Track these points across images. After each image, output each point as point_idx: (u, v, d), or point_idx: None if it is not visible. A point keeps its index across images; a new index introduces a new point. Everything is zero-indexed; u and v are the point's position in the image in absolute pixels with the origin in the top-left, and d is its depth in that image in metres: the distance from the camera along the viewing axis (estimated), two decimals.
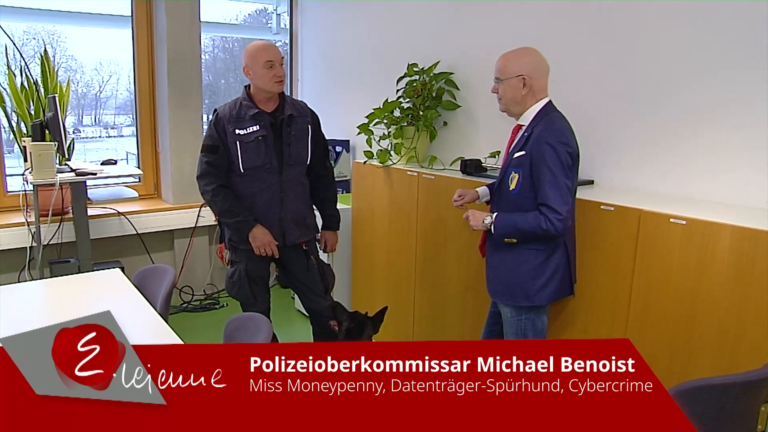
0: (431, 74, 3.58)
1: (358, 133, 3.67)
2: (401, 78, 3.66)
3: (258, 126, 2.77)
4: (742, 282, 2.10)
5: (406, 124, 3.56)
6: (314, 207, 3.08)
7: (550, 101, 2.31)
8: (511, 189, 2.28)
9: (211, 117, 2.87)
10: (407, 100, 3.63)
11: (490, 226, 2.29)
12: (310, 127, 2.91)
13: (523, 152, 2.24)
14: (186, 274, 4.43)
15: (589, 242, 2.51)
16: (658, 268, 2.31)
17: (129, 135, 4.98)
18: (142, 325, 2.16)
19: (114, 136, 5.10)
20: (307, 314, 3.15)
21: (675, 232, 2.25)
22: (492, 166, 3.20)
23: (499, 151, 3.26)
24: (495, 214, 2.30)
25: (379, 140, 3.66)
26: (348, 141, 4.48)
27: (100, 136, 5.02)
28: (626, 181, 2.77)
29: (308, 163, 2.92)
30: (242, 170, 2.79)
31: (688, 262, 2.22)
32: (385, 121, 3.61)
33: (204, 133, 2.89)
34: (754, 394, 1.80)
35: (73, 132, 4.66)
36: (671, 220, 2.26)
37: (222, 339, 2.10)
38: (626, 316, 2.44)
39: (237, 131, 2.77)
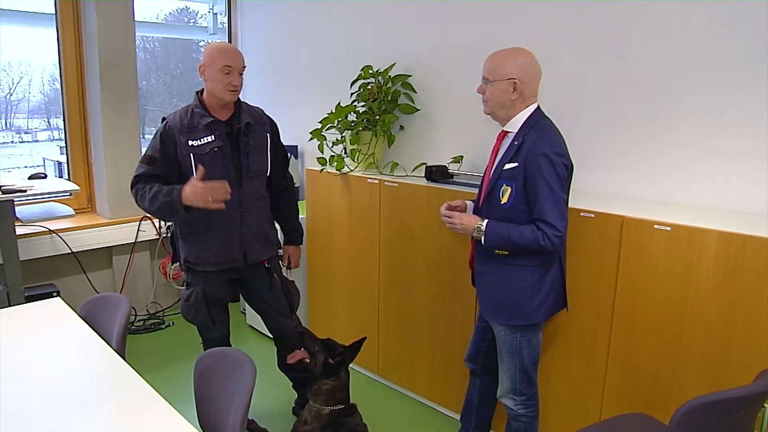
0: (387, 76, 3.44)
1: (310, 139, 3.48)
2: (355, 81, 3.49)
3: (213, 136, 2.54)
4: (730, 288, 2.06)
5: (362, 128, 3.40)
6: (276, 221, 2.88)
7: (538, 107, 2.18)
8: (502, 203, 2.13)
9: (159, 126, 2.61)
10: (362, 103, 3.48)
11: (481, 235, 2.15)
12: (269, 135, 2.70)
13: (515, 164, 2.10)
14: (127, 293, 4.11)
15: (568, 250, 2.43)
16: (643, 277, 2.26)
17: (45, 140, 4.72)
18: (101, 369, 1.91)
19: (28, 141, 4.80)
20: (270, 335, 2.94)
21: (659, 238, 2.20)
22: (457, 172, 3.09)
23: (462, 156, 3.17)
24: (486, 221, 2.15)
25: (332, 146, 3.49)
26: (296, 146, 4.28)
27: (12, 141, 4.72)
28: (601, 185, 2.73)
29: (268, 174, 2.71)
30: None
31: (674, 269, 2.18)
32: (338, 125, 3.44)
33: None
34: (758, 403, 1.77)
35: None
36: (655, 226, 2.20)
37: (192, 379, 1.88)
38: (609, 325, 2.38)
39: (190, 142, 2.53)
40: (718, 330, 2.11)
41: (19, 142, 4.74)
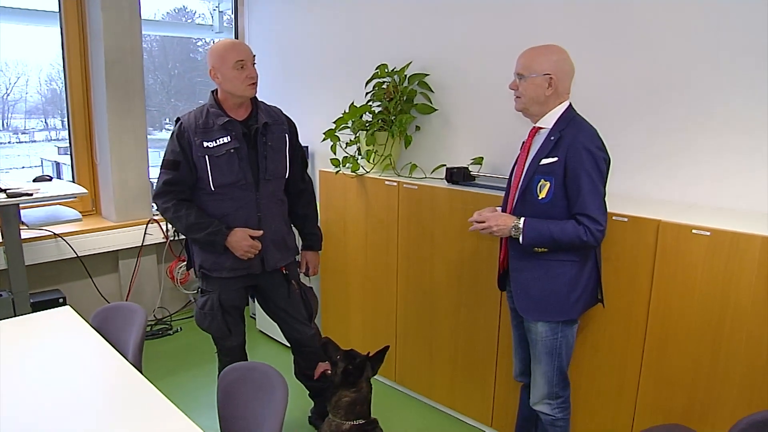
0: (403, 75, 3.33)
1: (323, 140, 3.38)
2: (370, 80, 3.39)
3: (229, 137, 2.44)
4: None
5: (377, 129, 3.30)
6: (293, 225, 2.78)
7: (570, 104, 2.14)
8: (540, 198, 2.08)
9: (173, 127, 2.51)
10: (377, 103, 3.37)
11: (519, 234, 2.08)
12: (287, 136, 2.60)
13: (555, 158, 2.05)
14: (133, 298, 4.01)
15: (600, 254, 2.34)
16: (680, 284, 2.17)
17: (42, 140, 4.65)
18: (119, 384, 1.81)
19: (26, 142, 4.72)
20: (283, 341, 2.84)
21: (699, 244, 2.10)
22: (479, 174, 2.99)
23: (482, 157, 3.07)
24: (523, 219, 2.09)
25: (345, 147, 3.39)
26: (307, 147, 4.17)
27: (9, 142, 4.62)
28: (631, 187, 2.63)
29: (286, 176, 2.61)
30: (213, 188, 2.45)
31: (714, 277, 2.08)
32: (353, 126, 3.34)
33: (166, 146, 2.53)
34: None
35: None
36: (693, 231, 2.11)
37: (216, 395, 1.78)
38: (643, 335, 2.29)
39: (205, 144, 2.43)
40: (762, 343, 2.01)
41: (17, 142, 4.65)
